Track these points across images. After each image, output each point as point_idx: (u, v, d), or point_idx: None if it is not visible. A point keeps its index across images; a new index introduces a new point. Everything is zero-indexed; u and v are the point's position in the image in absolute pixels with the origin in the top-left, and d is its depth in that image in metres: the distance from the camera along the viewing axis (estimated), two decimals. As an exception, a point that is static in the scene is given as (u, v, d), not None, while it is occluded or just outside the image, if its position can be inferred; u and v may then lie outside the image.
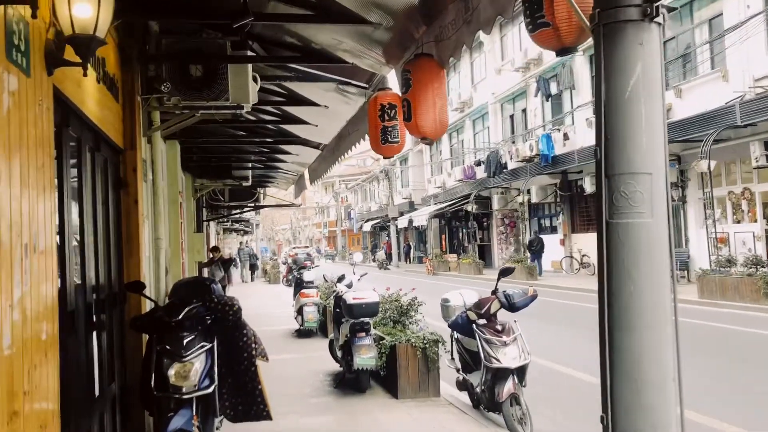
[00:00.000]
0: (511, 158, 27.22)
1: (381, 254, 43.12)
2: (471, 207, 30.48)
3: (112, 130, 4.92)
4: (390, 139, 5.70)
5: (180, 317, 4.65)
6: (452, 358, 6.80)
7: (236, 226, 38.37)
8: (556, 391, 7.55)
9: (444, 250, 37.42)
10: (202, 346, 4.66)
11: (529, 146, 25.15)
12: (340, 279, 8.04)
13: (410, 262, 45.08)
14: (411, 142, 43.35)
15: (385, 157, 6.02)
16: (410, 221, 37.84)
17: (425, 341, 6.81)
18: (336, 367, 8.35)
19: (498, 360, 5.69)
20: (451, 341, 6.81)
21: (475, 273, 28.55)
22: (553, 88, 24.95)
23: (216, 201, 16.93)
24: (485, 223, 33.74)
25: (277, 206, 18.86)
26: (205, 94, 5.68)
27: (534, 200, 26.08)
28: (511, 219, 31.17)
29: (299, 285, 12.46)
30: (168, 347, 4.56)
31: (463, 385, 6.58)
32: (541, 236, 26.56)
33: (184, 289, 5.45)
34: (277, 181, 15.77)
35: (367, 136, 7.16)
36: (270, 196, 18.27)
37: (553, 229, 27.49)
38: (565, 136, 23.40)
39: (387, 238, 50.14)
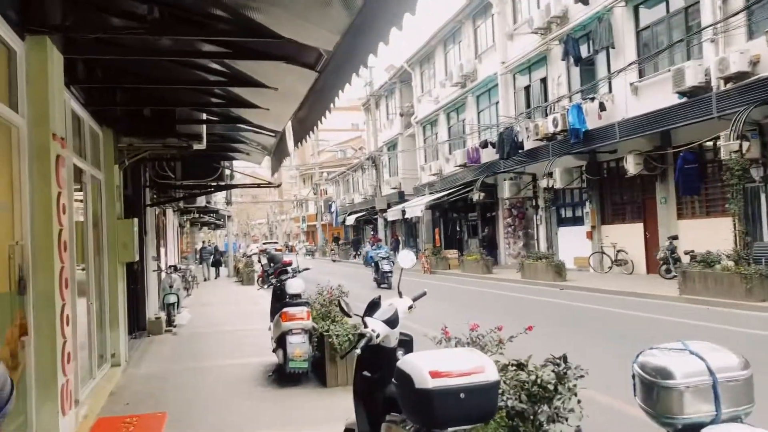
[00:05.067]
0: (528, 136, 23.07)
1: (368, 249, 38.72)
2: (477, 195, 26.25)
3: None
4: None
5: None
6: None
7: (206, 218, 33.70)
8: None
9: (439, 245, 33.15)
10: None
11: (552, 121, 20.98)
12: (373, 307, 3.68)
13: (399, 258, 40.71)
14: (401, 125, 39.13)
15: None
16: (403, 212, 33.49)
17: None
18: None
19: None
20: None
21: (482, 272, 24.30)
22: (584, 51, 20.78)
23: (165, 178, 12.49)
24: (489, 215, 29.52)
25: (249, 186, 14.48)
26: None
27: (558, 185, 21.89)
28: (519, 210, 27.03)
29: (279, 299, 8.11)
30: None
31: None
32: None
33: None
34: (247, 149, 11.34)
35: None
36: (239, 173, 13.87)
37: (577, 220, 23.34)
38: (601, 107, 19.26)
39: (372, 232, 45.80)
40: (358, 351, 3.39)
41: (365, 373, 3.73)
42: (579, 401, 3.08)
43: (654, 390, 2.49)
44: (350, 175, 54.54)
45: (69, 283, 5.12)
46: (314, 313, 7.65)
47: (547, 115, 22.25)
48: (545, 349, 3.64)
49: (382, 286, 21.07)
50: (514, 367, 3.09)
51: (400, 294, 3.84)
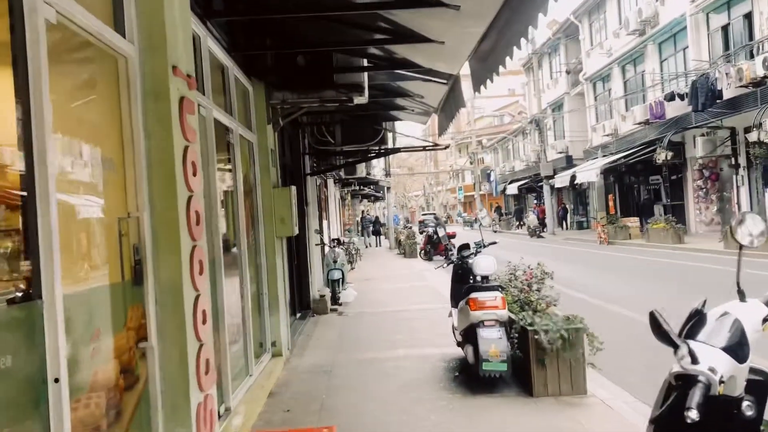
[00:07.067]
0: (728, 84, 19.67)
1: (533, 219, 36.25)
2: (663, 155, 23.08)
3: None
4: None
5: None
6: None
7: (365, 190, 32.94)
8: None
9: (613, 212, 30.04)
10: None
11: (762, 61, 17.57)
12: (695, 320, 2.01)
13: (567, 228, 37.93)
14: (567, 83, 36.13)
15: None
16: (572, 178, 30.74)
17: None
18: None
19: None
20: None
21: (672, 242, 21.32)
22: (804, -27, 17.14)
23: (324, 144, 11.38)
24: (674, 177, 26.09)
25: (412, 150, 13.02)
26: None
27: (769, 139, 18.46)
28: (712, 170, 23.51)
29: (461, 280, 6.59)
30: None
31: None
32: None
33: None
34: (411, 105, 9.85)
35: None
36: (401, 134, 12.41)
37: (790, 181, 19.69)
38: (832, 39, 15.70)
39: (536, 201, 43.17)
40: (694, 416, 1.72)
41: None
42: None
43: None
44: (510, 141, 51.90)
45: (205, 266, 3.87)
46: (509, 298, 6.03)
47: (754, 57, 18.78)
48: None
49: None
50: None
51: (741, 294, 2.11)
